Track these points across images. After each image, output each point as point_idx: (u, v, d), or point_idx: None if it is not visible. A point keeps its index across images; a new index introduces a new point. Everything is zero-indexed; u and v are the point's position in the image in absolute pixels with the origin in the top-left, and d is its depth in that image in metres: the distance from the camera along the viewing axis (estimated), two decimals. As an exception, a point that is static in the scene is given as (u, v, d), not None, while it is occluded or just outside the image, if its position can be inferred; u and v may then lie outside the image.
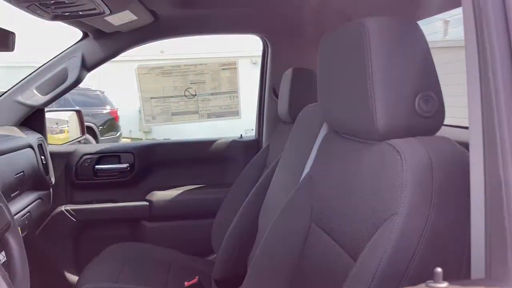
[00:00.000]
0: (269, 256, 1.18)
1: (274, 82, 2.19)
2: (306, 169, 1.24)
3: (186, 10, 1.89)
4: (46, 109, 2.29)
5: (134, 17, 1.76)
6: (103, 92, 10.30)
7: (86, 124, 8.06)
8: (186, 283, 1.66)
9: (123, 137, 11.89)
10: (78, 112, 2.48)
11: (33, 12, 1.26)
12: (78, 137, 2.46)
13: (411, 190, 0.69)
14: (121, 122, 10.77)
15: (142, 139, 13.53)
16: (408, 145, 0.74)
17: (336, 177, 0.95)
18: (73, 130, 2.51)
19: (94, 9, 1.32)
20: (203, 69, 2.20)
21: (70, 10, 1.29)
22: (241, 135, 2.39)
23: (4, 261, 1.03)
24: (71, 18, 1.40)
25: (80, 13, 1.34)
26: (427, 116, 0.77)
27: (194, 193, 2.24)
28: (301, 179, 1.19)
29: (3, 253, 0.97)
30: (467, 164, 0.61)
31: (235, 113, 2.31)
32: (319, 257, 1.00)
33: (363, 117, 0.80)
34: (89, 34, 1.95)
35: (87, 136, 9.65)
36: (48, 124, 2.51)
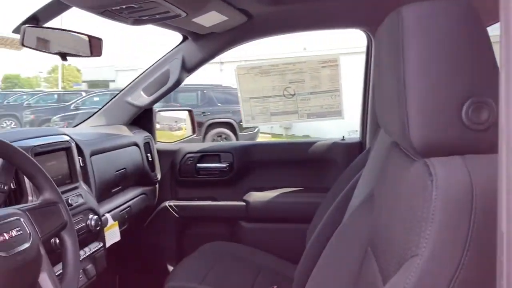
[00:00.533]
0: (327, 270, 1.07)
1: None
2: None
3: (281, 7, 1.82)
4: (163, 108, 2.44)
5: (225, 18, 1.75)
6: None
7: (226, 120, 8.55)
8: None
9: (264, 133, 12.32)
10: (190, 112, 2.58)
11: (112, 18, 1.31)
12: (190, 136, 2.56)
13: (439, 225, 0.53)
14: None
15: (282, 135, 13.86)
16: (446, 167, 0.57)
17: (385, 197, 0.80)
18: (188, 128, 2.63)
19: (168, 12, 1.33)
20: (302, 67, 2.11)
21: (144, 14, 1.32)
22: (343, 136, 2.23)
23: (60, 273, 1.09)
24: (150, 22, 1.43)
25: (157, 16, 1.36)
26: (479, 129, 0.58)
27: (291, 196, 2.17)
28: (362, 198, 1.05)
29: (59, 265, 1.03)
30: None
31: (337, 113, 2.16)
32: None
33: (398, 128, 0.65)
34: (188, 37, 2.00)
35: (226, 131, 10.24)
36: (168, 122, 2.68)
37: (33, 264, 0.94)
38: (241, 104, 2.19)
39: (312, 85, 2.13)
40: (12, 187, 1.21)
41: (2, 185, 1.08)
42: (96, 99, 13.73)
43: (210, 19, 1.71)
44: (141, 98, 2.10)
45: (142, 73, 2.13)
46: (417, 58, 0.60)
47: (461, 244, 0.52)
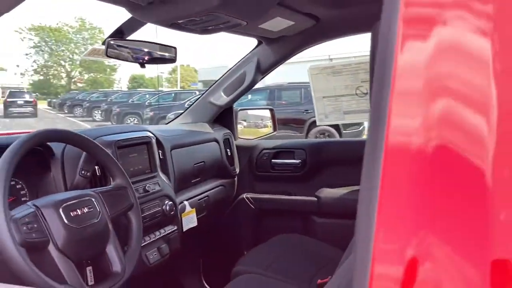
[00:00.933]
0: None
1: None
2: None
3: (346, 9, 1.88)
4: (244, 108, 2.62)
5: (291, 22, 1.86)
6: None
7: (330, 118, 8.41)
8: (318, 281, 1.68)
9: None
10: (271, 111, 2.73)
11: (180, 29, 1.50)
12: (270, 133, 2.71)
13: None
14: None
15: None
16: None
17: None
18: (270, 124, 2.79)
19: (229, 21, 1.48)
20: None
21: (207, 25, 1.48)
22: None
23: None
24: (217, 31, 1.60)
25: (221, 26, 1.52)
26: None
27: (362, 194, 2.20)
28: None
29: (90, 268, 1.21)
30: None
31: (411, 111, 2.14)
32: None
33: None
34: (262, 41, 2.14)
35: (330, 129, 10.24)
36: (254, 120, 2.87)
37: (101, 236, 1.16)
38: (314, 103, 2.28)
39: (384, 84, 2.14)
40: (98, 174, 1.46)
41: (85, 172, 1.33)
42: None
43: (277, 24, 1.83)
44: (221, 98, 2.30)
45: (222, 76, 2.32)
46: None
47: None
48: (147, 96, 19.44)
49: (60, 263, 1.03)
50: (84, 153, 1.34)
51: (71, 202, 1.12)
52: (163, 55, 1.70)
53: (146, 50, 1.61)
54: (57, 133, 1.20)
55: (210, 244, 2.46)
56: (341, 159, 2.30)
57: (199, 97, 2.42)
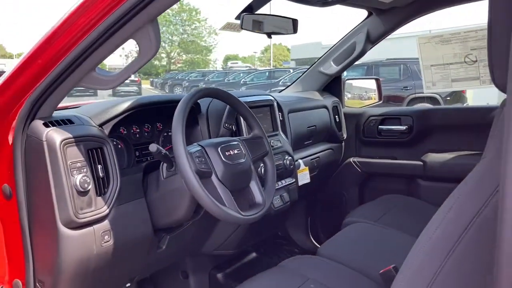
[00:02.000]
0: None
1: None
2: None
3: None
4: (351, 77, 2.78)
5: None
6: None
7: (430, 95, 8.34)
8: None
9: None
10: (377, 80, 2.85)
11: (303, 2, 1.70)
12: (375, 102, 2.84)
13: None
14: (469, 95, 10.45)
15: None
16: None
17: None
18: (375, 96, 2.91)
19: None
20: (485, 34, 2.16)
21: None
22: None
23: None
24: (336, 3, 1.77)
25: (340, -3, 1.70)
26: None
27: (467, 158, 2.27)
28: None
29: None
30: None
31: (523, 78, 2.16)
32: None
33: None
34: (372, 12, 2.27)
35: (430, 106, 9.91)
36: (358, 92, 3.01)
37: (247, 174, 1.43)
38: (422, 72, 2.37)
39: (495, 51, 2.17)
40: (234, 129, 1.74)
41: (228, 125, 1.60)
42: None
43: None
44: (331, 68, 2.47)
45: (332, 47, 2.49)
46: None
47: None
48: (242, 74, 20.06)
49: (220, 190, 1.31)
50: (227, 108, 1.61)
51: (225, 144, 1.40)
52: (286, 27, 1.91)
53: (275, 22, 1.83)
54: (214, 90, 1.48)
55: (318, 203, 2.68)
56: (446, 126, 2.38)
57: (309, 68, 2.62)
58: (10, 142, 1.24)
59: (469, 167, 2.35)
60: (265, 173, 1.54)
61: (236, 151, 1.41)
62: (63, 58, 1.15)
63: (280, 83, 14.45)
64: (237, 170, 1.38)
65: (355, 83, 2.97)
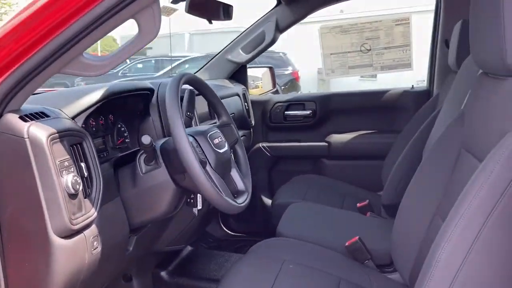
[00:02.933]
0: (420, 185, 1.44)
1: (446, 34, 2.32)
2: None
3: None
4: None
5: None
6: (285, 54, 11.05)
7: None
8: (358, 204, 2.02)
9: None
10: (271, 69, 2.97)
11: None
12: (270, 90, 2.96)
13: None
14: (301, 83, 11.49)
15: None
16: None
17: (477, 112, 1.17)
18: (266, 84, 3.03)
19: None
20: (378, 25, 2.45)
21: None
22: (413, 85, 2.58)
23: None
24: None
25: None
26: None
27: (366, 137, 2.55)
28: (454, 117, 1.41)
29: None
30: None
31: (408, 65, 2.51)
32: (465, 178, 1.23)
33: (495, 55, 1.00)
34: (281, 1, 2.36)
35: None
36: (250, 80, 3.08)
37: (229, 162, 1.39)
38: (322, 59, 2.57)
39: (386, 41, 2.48)
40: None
41: (190, 113, 1.52)
42: (139, 66, 14.28)
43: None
44: (241, 56, 2.50)
45: (240, 35, 2.52)
46: None
47: None
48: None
49: (215, 179, 1.25)
50: (187, 96, 1.52)
51: (211, 132, 1.33)
52: (217, 14, 1.88)
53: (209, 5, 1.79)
54: (193, 76, 1.39)
55: None
56: (347, 109, 2.62)
57: (214, 56, 2.60)
58: (-33, 142, 1.00)
59: (368, 146, 2.63)
60: (238, 160, 1.52)
61: (219, 139, 1.35)
62: (50, 40, 0.96)
63: (119, 73, 13.74)
64: (224, 159, 1.33)
65: (249, 72, 3.04)
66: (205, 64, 2.62)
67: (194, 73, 2.63)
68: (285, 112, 2.65)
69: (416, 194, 1.43)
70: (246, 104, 2.59)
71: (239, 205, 1.28)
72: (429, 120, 1.96)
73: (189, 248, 2.12)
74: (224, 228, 2.71)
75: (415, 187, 1.43)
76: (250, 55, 2.50)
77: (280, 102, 2.66)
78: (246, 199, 1.36)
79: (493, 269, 0.91)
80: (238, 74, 2.63)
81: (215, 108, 1.52)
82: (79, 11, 0.95)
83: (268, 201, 2.65)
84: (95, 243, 1.14)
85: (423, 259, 1.27)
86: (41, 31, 0.96)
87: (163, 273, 1.89)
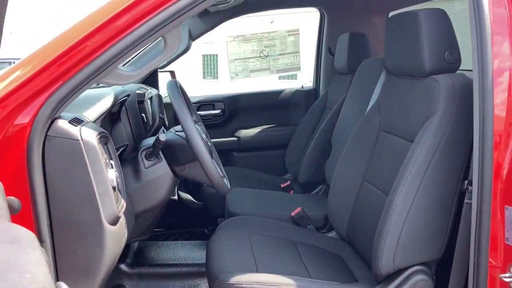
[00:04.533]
0: (348, 161, 1.88)
1: (329, 44, 2.86)
2: (371, 102, 1.94)
3: None
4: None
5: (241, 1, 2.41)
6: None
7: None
8: (282, 185, 2.42)
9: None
10: (172, 72, 3.19)
11: None
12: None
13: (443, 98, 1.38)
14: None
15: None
16: (442, 77, 1.41)
17: (394, 101, 1.65)
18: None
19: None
20: (274, 35, 2.89)
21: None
22: (302, 85, 3.09)
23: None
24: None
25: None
26: (451, 62, 1.43)
27: (269, 131, 2.98)
28: (368, 108, 1.89)
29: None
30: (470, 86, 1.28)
31: (297, 68, 3.01)
32: (387, 151, 1.69)
33: (414, 62, 1.47)
34: (194, 13, 2.62)
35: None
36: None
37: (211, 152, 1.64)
38: (228, 64, 2.91)
39: (281, 48, 2.93)
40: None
41: (161, 115, 1.73)
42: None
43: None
44: (156, 61, 2.68)
45: (152, 42, 2.69)
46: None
47: (452, 104, 1.36)
48: None
49: None
50: (157, 101, 1.72)
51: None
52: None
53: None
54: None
55: None
56: (251, 106, 3.01)
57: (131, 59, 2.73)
58: (23, 146, 1.10)
59: (271, 138, 3.08)
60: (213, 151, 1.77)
61: (204, 135, 1.60)
62: (97, 56, 1.12)
63: None
64: (210, 150, 1.58)
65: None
66: (119, 70, 2.73)
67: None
68: (197, 112, 2.91)
69: (345, 167, 1.86)
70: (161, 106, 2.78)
71: (227, 185, 1.56)
72: (331, 114, 2.44)
73: (135, 243, 2.26)
74: None
75: (345, 162, 1.86)
76: (165, 61, 2.70)
77: (192, 103, 2.91)
78: (227, 182, 1.63)
79: (423, 222, 1.37)
80: (151, 79, 2.81)
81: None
82: (124, 31, 1.14)
83: (185, 195, 2.88)
84: (125, 229, 1.31)
85: (357, 216, 1.72)
86: (91, 48, 1.12)
87: (122, 266, 2.03)
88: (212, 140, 2.94)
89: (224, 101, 2.95)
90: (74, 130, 1.13)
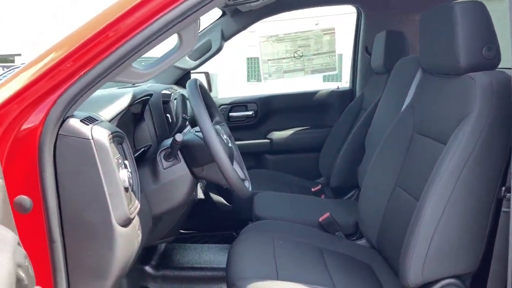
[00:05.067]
0: (380, 165, 1.78)
1: (366, 42, 2.75)
2: (406, 102, 1.83)
3: None
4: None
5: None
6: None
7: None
8: (312, 189, 2.34)
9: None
10: (206, 74, 3.18)
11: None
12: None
13: (480, 100, 1.26)
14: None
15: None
16: (478, 75, 1.30)
17: (429, 101, 1.54)
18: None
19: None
20: (308, 35, 2.82)
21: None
22: (338, 86, 2.99)
23: None
24: (237, 5, 2.04)
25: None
26: (489, 58, 1.32)
27: (303, 133, 2.90)
28: (403, 109, 1.78)
29: None
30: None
31: (333, 68, 2.91)
32: (420, 155, 1.58)
33: (450, 60, 1.37)
34: (226, 12, 2.59)
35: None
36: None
37: (233, 155, 1.60)
38: (260, 65, 2.86)
39: (315, 48, 2.85)
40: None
41: (186, 115, 1.70)
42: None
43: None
44: (188, 62, 2.68)
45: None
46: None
47: (489, 105, 1.24)
48: None
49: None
50: (180, 100, 1.69)
51: (219, 129, 1.53)
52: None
53: None
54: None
55: None
56: (284, 108, 2.94)
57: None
58: (35, 145, 1.09)
59: (304, 140, 3.00)
60: (234, 153, 1.72)
61: (225, 136, 1.56)
62: (111, 53, 1.10)
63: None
64: (231, 152, 1.54)
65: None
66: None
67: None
68: (229, 114, 2.88)
69: (377, 171, 1.76)
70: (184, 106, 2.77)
71: (248, 189, 1.50)
72: (366, 116, 2.34)
73: (162, 245, 2.25)
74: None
75: (376, 165, 1.77)
76: (197, 62, 2.68)
77: (224, 104, 2.89)
78: (249, 185, 1.58)
79: (456, 231, 1.26)
80: (184, 80, 2.80)
81: (210, 109, 1.72)
82: (137, 28, 1.11)
83: (216, 197, 2.85)
84: (139, 231, 1.28)
85: (388, 224, 1.62)
86: (103, 46, 1.10)
87: (147, 268, 2.01)
88: (244, 142, 2.93)
89: (257, 102, 2.90)
90: (85, 129, 1.11)
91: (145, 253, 2.08)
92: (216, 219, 2.63)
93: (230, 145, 1.56)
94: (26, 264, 0.61)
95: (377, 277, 1.56)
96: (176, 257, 2.15)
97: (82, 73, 1.09)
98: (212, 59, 2.69)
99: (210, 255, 2.18)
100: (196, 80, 1.50)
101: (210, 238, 2.50)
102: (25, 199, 1.10)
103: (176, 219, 1.83)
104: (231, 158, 1.55)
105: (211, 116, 1.72)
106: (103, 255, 1.15)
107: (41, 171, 1.09)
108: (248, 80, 22.64)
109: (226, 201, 2.63)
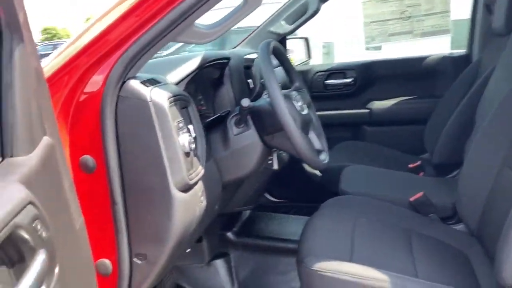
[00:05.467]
0: (487, 141, 1.53)
1: (488, -1, 2.37)
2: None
3: None
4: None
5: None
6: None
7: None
8: (410, 165, 2.12)
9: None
10: (306, 40, 3.04)
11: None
12: (305, 61, 3.03)
13: None
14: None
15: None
16: None
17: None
18: (299, 55, 3.10)
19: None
20: (418, -7, 2.51)
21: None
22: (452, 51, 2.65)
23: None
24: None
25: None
26: None
27: (407, 103, 2.64)
28: None
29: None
30: None
31: (446, 31, 2.57)
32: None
33: None
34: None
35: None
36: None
37: (309, 123, 1.49)
38: (363, 28, 2.63)
39: (426, 8, 2.53)
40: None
41: (262, 80, 1.61)
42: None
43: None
44: (284, 27, 2.56)
45: (281, 7, 2.57)
46: None
47: None
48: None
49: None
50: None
51: (295, 95, 1.43)
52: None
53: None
54: (276, 43, 1.47)
55: None
56: (387, 75, 2.70)
57: (256, 28, 2.66)
58: (97, 107, 1.09)
59: (408, 111, 2.70)
60: (312, 121, 1.61)
61: (301, 103, 1.45)
62: (170, 10, 1.04)
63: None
64: (306, 120, 1.43)
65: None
66: (248, 36, 2.68)
67: (235, 46, 2.69)
68: (325, 81, 2.73)
69: (483, 147, 1.51)
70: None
71: (323, 161, 1.38)
72: (478, 85, 2.03)
73: (247, 212, 2.23)
74: (267, 195, 2.82)
75: (483, 141, 1.52)
76: (292, 26, 2.55)
77: (321, 71, 2.73)
78: (326, 157, 1.46)
79: None
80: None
81: (289, 73, 1.61)
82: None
83: (307, 167, 2.75)
84: (202, 197, 1.24)
85: (491, 208, 1.38)
86: (164, 1, 1.05)
87: (229, 234, 2.01)
88: (341, 111, 2.76)
89: (356, 69, 2.70)
90: (144, 90, 1.08)
91: (228, 220, 2.08)
92: (306, 189, 2.54)
93: (304, 112, 1.44)
94: (34, 225, 0.58)
95: (473, 268, 1.35)
96: (260, 225, 2.12)
97: (143, 32, 1.06)
98: (329, 27, 2.54)
99: (294, 227, 2.10)
100: (268, 42, 1.40)
101: (299, 209, 2.41)
102: (89, 159, 1.12)
103: (254, 187, 1.78)
104: (306, 126, 1.44)
105: (291, 82, 1.62)
106: (161, 220, 1.14)
107: (103, 133, 1.09)
108: (366, 49, 21.67)
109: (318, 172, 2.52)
